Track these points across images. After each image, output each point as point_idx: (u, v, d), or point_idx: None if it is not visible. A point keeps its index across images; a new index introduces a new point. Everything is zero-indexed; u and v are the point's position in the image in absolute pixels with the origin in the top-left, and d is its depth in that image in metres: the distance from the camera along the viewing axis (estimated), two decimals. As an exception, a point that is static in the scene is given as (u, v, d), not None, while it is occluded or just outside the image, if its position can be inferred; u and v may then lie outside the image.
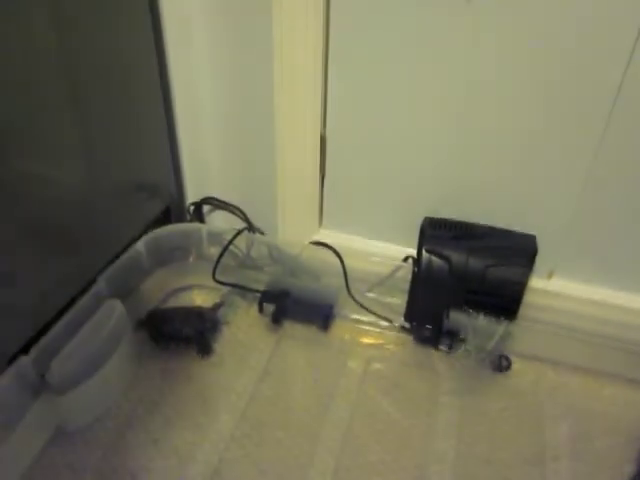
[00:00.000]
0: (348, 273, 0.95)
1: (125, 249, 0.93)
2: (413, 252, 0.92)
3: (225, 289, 1.02)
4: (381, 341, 0.98)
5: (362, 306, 0.97)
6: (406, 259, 0.94)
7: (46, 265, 0.77)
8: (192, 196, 1.10)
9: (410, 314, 0.95)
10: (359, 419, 0.84)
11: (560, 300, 0.90)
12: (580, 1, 0.70)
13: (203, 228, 1.03)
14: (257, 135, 0.97)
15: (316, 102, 0.89)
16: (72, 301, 0.81)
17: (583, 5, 0.71)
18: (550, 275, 0.94)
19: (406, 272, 0.93)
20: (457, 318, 0.88)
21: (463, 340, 0.91)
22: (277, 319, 0.99)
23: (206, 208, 1.11)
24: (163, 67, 0.93)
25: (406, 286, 0.93)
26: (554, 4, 0.72)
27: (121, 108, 0.86)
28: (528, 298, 0.86)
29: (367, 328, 0.99)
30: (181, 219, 1.09)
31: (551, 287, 0.92)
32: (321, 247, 0.98)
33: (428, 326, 0.94)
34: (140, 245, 0.95)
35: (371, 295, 0.97)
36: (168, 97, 0.97)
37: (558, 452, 0.81)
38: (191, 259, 1.04)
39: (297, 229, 1.03)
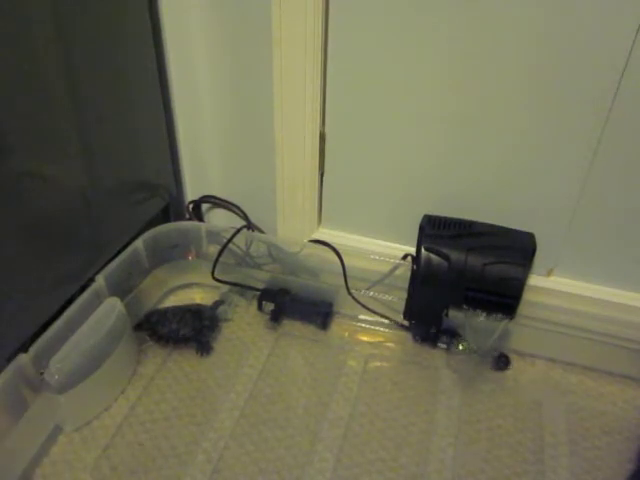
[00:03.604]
0: (347, 271, 0.95)
1: (124, 247, 0.92)
2: (412, 250, 0.92)
3: (224, 287, 1.02)
4: (380, 339, 0.98)
5: (361, 304, 0.97)
6: (405, 257, 0.94)
7: (45, 263, 0.77)
8: (191, 194, 1.10)
9: (409, 312, 0.95)
10: (358, 417, 0.84)
11: (559, 298, 0.90)
12: (579, -2, 0.71)
13: (202, 226, 1.03)
14: (256, 133, 0.97)
15: (315, 100, 0.88)
16: (71, 299, 0.81)
17: (583, 2, 0.70)
18: (549, 273, 0.94)
19: (405, 270, 0.93)
20: (456, 316, 0.88)
21: (462, 338, 0.91)
22: (276, 317, 0.99)
23: (205, 206, 1.11)
24: (162, 65, 0.93)
25: (405, 284, 0.93)
26: (555, 2, 0.71)
27: (120, 106, 0.86)
28: (527, 296, 0.86)
29: (366, 326, 1.00)
30: (180, 217, 1.09)
31: (550, 285, 0.92)
32: (320, 245, 0.98)
33: (427, 324, 0.94)
34: (139, 243, 0.95)
35: (370, 293, 0.97)
36: (167, 96, 0.97)
37: (557, 451, 0.81)
38: (190, 257, 1.04)
39: (296, 227, 1.03)
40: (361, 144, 0.92)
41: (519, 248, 0.85)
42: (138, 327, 0.93)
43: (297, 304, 0.99)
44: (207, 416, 0.83)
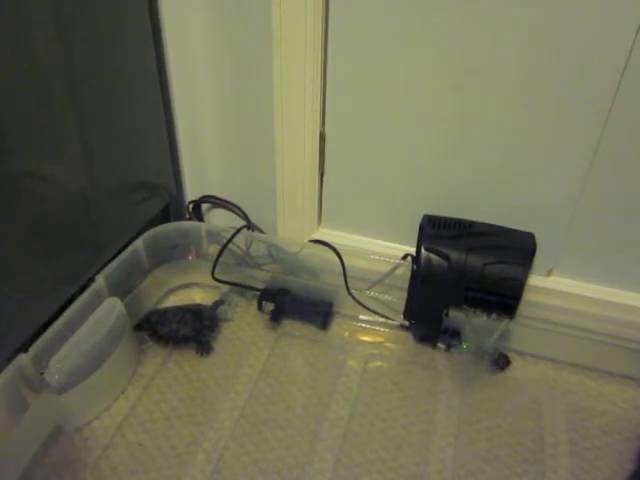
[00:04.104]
0: (347, 271, 0.95)
1: (124, 247, 0.92)
2: (412, 250, 0.92)
3: (224, 287, 1.02)
4: (380, 339, 0.98)
5: (361, 304, 0.97)
6: (405, 257, 0.94)
7: (45, 263, 0.77)
8: (191, 194, 1.10)
9: (409, 312, 0.95)
10: (358, 417, 0.84)
11: (559, 298, 0.90)
12: (579, -1, 0.71)
13: (202, 226, 1.03)
14: (256, 133, 0.97)
15: (315, 100, 0.88)
16: (71, 299, 0.81)
17: (583, 2, 0.70)
18: (549, 273, 0.94)
19: (405, 270, 0.93)
20: (456, 316, 0.88)
21: (462, 338, 0.92)
22: (276, 317, 0.99)
23: (205, 206, 1.11)
24: (162, 65, 0.93)
25: (405, 284, 0.93)
26: (555, 2, 0.71)
27: (120, 106, 0.85)
28: (527, 296, 0.86)
29: (366, 326, 1.00)
30: (180, 217, 1.09)
31: (550, 285, 0.92)
32: (320, 245, 0.98)
33: (427, 324, 0.94)
34: (139, 243, 0.95)
35: (370, 293, 0.97)
36: (167, 96, 0.97)
37: (557, 450, 0.81)
38: (190, 257, 1.04)
39: (296, 227, 1.03)
40: (361, 144, 0.92)
41: (519, 248, 0.85)
42: (138, 327, 0.93)
43: (297, 304, 0.99)
44: (207, 416, 0.83)
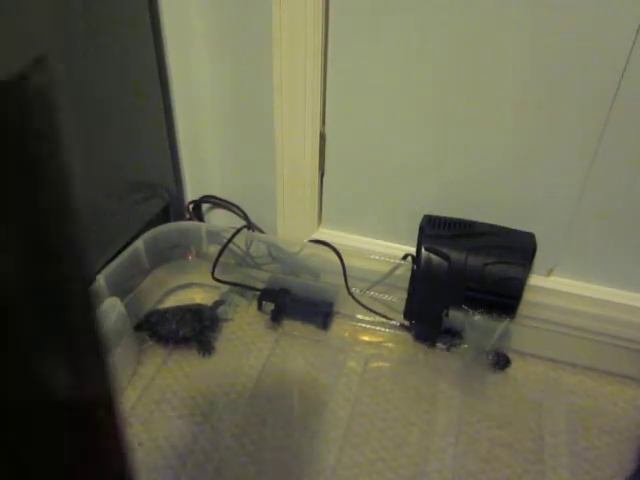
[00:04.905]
0: (347, 271, 0.95)
1: (124, 247, 0.92)
2: (412, 250, 0.92)
3: (224, 287, 1.02)
4: (380, 339, 0.98)
5: (361, 304, 0.97)
6: (405, 257, 0.94)
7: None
8: (191, 194, 1.10)
9: (409, 312, 0.95)
10: (358, 417, 0.84)
11: (559, 298, 0.90)
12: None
13: (202, 226, 1.03)
14: (257, 133, 0.97)
15: (315, 100, 0.88)
16: (71, 299, 0.81)
17: (583, 2, 0.70)
18: (550, 273, 0.94)
19: (405, 270, 0.93)
20: (456, 316, 0.88)
21: (462, 338, 0.91)
22: (276, 317, 0.99)
23: (205, 206, 1.11)
24: (162, 65, 0.93)
25: (405, 284, 0.93)
26: (554, 2, 0.71)
27: (120, 106, 0.86)
28: (527, 296, 0.86)
29: (366, 326, 0.99)
30: (180, 217, 1.09)
31: (551, 285, 0.92)
32: (320, 245, 0.98)
33: (427, 324, 0.94)
34: (139, 243, 0.95)
35: (370, 293, 0.97)
36: (167, 95, 0.97)
37: (557, 450, 0.81)
38: (190, 257, 1.04)
39: (296, 227, 1.03)
40: (361, 144, 0.92)
41: (519, 248, 0.85)
42: (138, 327, 0.93)
43: (297, 304, 0.99)
44: (207, 416, 0.83)
